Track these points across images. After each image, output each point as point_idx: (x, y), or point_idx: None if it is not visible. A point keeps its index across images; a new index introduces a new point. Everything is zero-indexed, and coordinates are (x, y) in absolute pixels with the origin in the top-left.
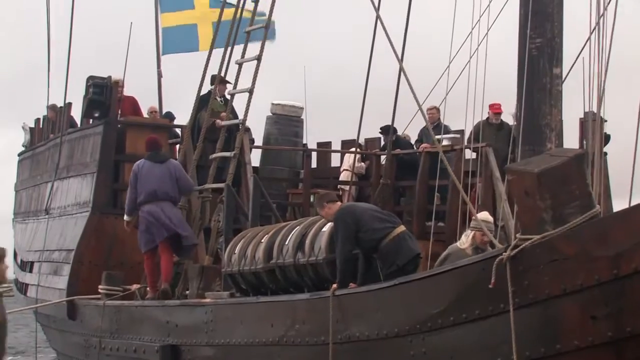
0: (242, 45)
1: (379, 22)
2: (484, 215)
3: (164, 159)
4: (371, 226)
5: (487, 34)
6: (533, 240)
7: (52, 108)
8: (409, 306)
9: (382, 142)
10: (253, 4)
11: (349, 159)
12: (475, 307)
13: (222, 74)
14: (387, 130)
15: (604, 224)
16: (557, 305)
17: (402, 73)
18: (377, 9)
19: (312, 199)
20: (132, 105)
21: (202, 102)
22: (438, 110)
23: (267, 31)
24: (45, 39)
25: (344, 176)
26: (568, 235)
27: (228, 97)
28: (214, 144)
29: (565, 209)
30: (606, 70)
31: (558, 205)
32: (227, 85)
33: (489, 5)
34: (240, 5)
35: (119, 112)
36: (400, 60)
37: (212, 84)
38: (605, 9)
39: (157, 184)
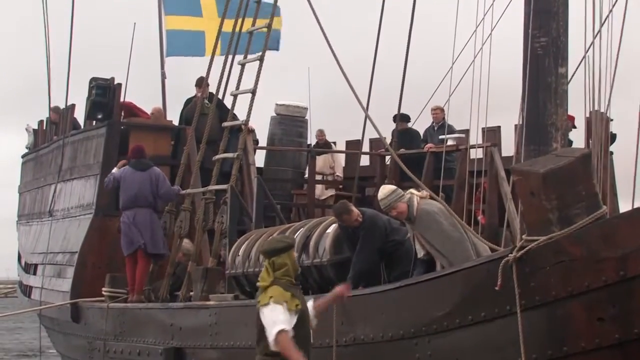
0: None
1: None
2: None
3: (145, 167)
4: (394, 228)
5: (490, 33)
6: (539, 241)
7: (54, 110)
8: (414, 308)
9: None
10: (256, 4)
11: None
12: (481, 309)
13: (225, 76)
14: (400, 117)
15: (610, 224)
16: (564, 307)
17: (405, 73)
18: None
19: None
20: (129, 112)
21: (187, 105)
22: (442, 110)
23: (269, 32)
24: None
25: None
26: (574, 236)
27: (230, 97)
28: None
29: (571, 210)
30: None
31: (564, 205)
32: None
33: (492, 4)
34: (243, 7)
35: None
36: (405, 63)
37: (197, 85)
38: (611, 10)
39: (136, 191)
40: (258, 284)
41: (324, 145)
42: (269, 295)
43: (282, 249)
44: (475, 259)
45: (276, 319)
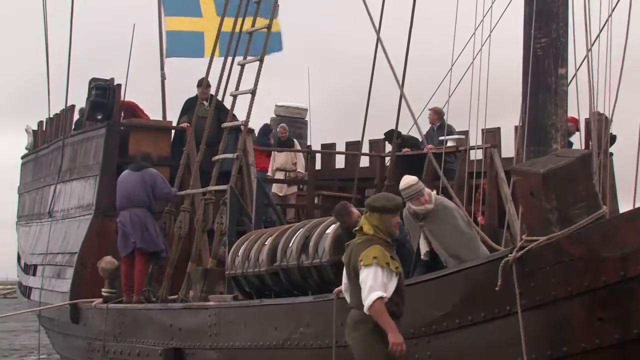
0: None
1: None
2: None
3: (140, 167)
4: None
5: (490, 35)
6: (539, 241)
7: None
8: (413, 309)
9: (387, 150)
10: (256, 4)
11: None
12: (481, 310)
13: (225, 77)
14: (391, 135)
15: (611, 224)
16: (564, 307)
17: (404, 74)
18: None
19: (316, 201)
20: (131, 112)
21: (187, 106)
22: (435, 112)
23: (269, 33)
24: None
25: (278, 176)
26: (575, 236)
27: (229, 97)
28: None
29: (571, 210)
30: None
31: (564, 206)
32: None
33: (492, 5)
34: (242, 7)
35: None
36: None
37: (198, 86)
38: (612, 10)
39: (131, 191)
40: (360, 238)
41: (287, 142)
42: (371, 255)
43: (390, 210)
44: (475, 260)
45: (375, 283)
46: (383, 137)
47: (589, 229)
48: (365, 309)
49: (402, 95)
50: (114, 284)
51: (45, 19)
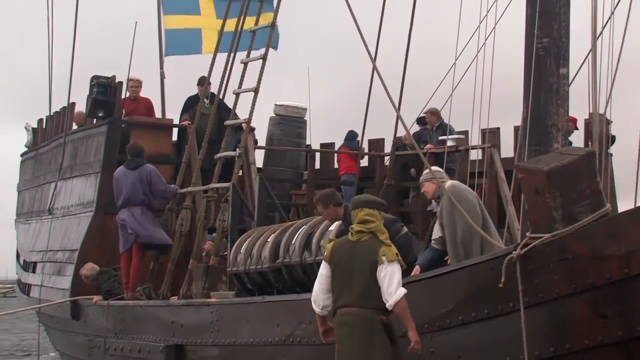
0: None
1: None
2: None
3: (136, 165)
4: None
5: (493, 30)
6: (543, 238)
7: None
8: (416, 305)
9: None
10: (259, 3)
11: None
12: (484, 307)
13: (226, 76)
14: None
15: (614, 222)
16: (568, 304)
17: (405, 72)
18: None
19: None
20: (147, 108)
21: (188, 104)
22: (433, 114)
23: (272, 30)
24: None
25: None
26: (578, 233)
27: (231, 95)
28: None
29: (575, 208)
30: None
31: (568, 203)
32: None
33: (495, 3)
34: (245, 5)
35: (123, 112)
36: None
37: (198, 84)
38: (612, 11)
39: (129, 190)
40: (383, 236)
41: None
42: (394, 251)
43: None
44: (479, 257)
45: (400, 280)
46: (415, 121)
47: (593, 226)
48: (391, 302)
49: (401, 94)
50: (102, 287)
51: (50, 17)
